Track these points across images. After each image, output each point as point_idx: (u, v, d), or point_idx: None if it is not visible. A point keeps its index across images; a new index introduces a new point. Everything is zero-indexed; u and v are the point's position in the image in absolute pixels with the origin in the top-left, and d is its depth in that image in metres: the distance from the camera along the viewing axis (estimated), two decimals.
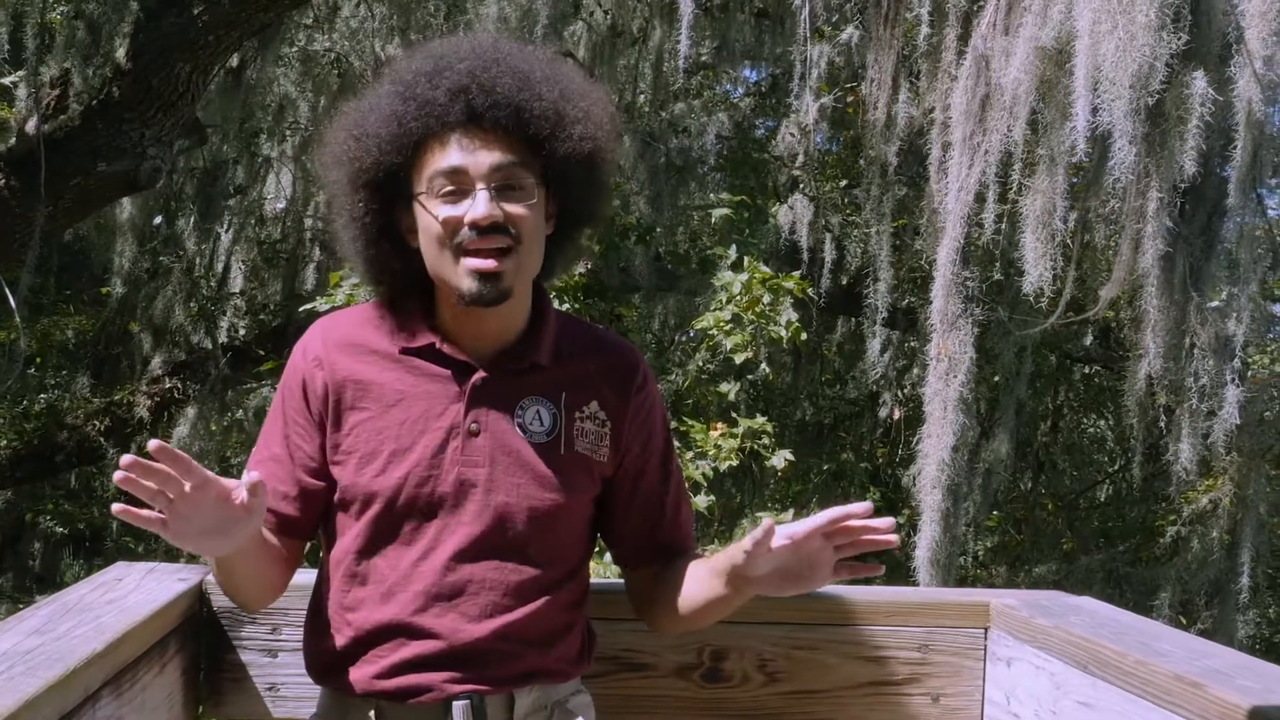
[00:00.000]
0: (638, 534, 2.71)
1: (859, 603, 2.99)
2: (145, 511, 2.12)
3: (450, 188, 2.37)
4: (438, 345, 2.49)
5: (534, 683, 2.50)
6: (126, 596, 2.55)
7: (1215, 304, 7.48)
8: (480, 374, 2.48)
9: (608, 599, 2.87)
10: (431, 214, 2.39)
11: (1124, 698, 2.43)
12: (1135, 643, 2.53)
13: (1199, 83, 6.30)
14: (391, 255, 2.51)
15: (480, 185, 2.36)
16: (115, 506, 2.08)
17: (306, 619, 2.60)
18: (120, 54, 7.55)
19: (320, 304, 7.28)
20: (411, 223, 2.46)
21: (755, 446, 7.53)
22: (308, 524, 2.55)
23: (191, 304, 12.62)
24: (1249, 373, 9.69)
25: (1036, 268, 6.85)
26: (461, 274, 2.37)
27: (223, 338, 12.33)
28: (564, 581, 2.53)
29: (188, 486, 2.12)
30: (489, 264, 2.36)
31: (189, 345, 12.49)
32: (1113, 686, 2.47)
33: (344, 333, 2.53)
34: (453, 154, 2.38)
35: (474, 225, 2.35)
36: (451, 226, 2.37)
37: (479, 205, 2.35)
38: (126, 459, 2.07)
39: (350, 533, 2.48)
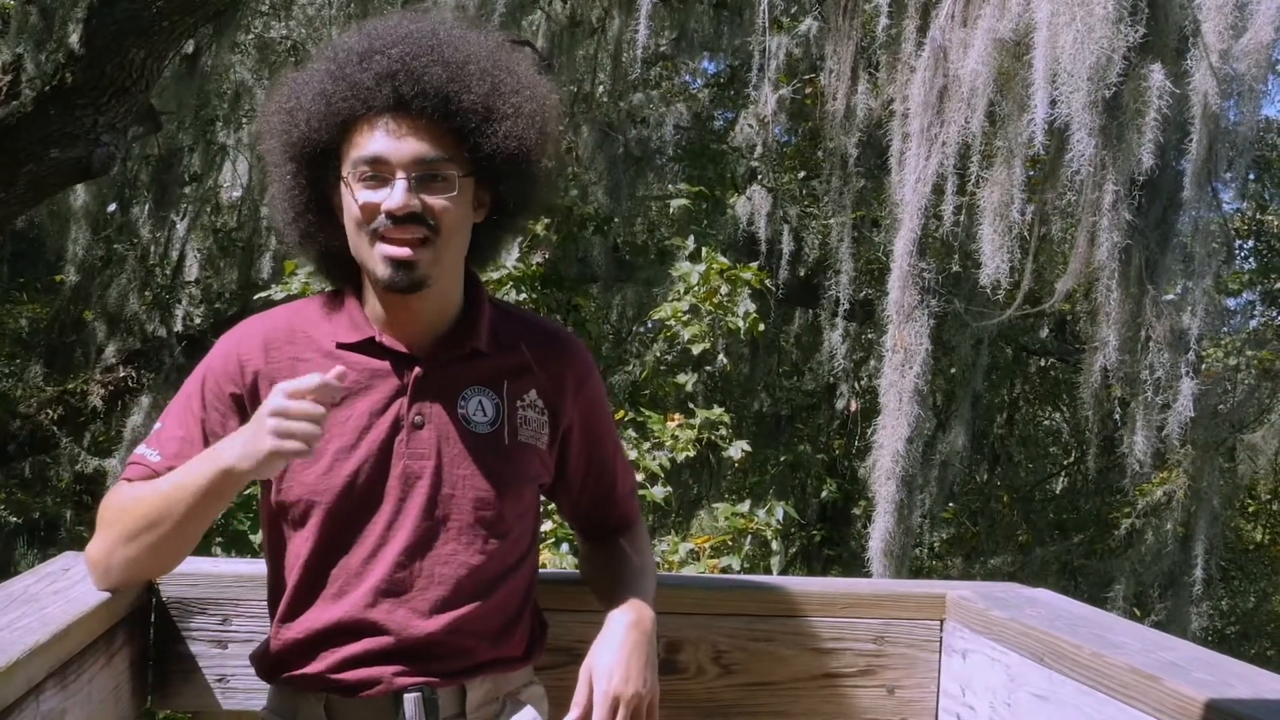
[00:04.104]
0: (589, 512, 2.77)
1: (815, 594, 2.98)
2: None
3: (372, 174, 2.35)
4: (377, 338, 2.47)
5: (485, 674, 2.48)
6: (73, 587, 2.51)
7: (1170, 297, 7.51)
8: (421, 365, 2.47)
9: (560, 590, 2.86)
10: (353, 197, 2.36)
11: (1080, 690, 2.42)
12: (1091, 635, 2.52)
13: (1156, 75, 6.32)
14: (318, 228, 2.50)
15: (400, 175, 2.33)
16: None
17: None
18: (74, 39, 7.49)
19: (276, 292, 7.25)
20: (340, 201, 2.44)
21: (712, 437, 7.53)
22: None
23: (146, 292, 12.55)
24: (1203, 366, 9.73)
25: (994, 260, 6.86)
26: (376, 259, 2.36)
27: (178, 326, 12.28)
28: (513, 571, 2.52)
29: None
30: (402, 252, 2.34)
31: (143, 334, 12.42)
32: (1069, 679, 2.46)
33: (280, 332, 2.50)
34: (377, 140, 2.35)
35: (389, 214, 2.33)
36: (369, 212, 2.35)
37: (396, 195, 2.32)
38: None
39: (298, 534, 2.45)
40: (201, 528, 2.36)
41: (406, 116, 2.36)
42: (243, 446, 2.23)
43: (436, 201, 2.35)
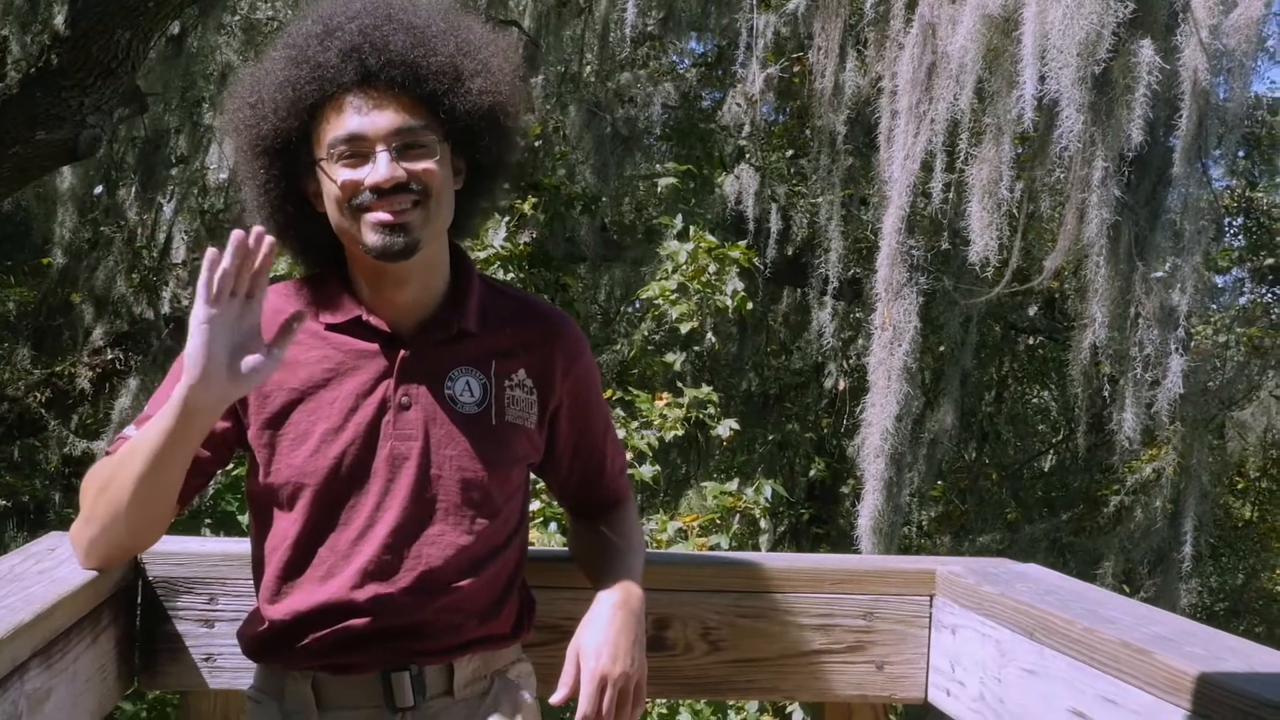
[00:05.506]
0: (578, 491, 2.76)
1: (804, 570, 2.97)
2: (220, 278, 2.12)
3: (350, 152, 2.33)
4: (364, 317, 2.45)
5: (473, 652, 2.48)
6: (58, 566, 2.50)
7: (1160, 274, 7.50)
8: (408, 346, 2.45)
9: (548, 568, 2.85)
10: (332, 179, 2.34)
11: (1070, 665, 2.41)
12: (1082, 610, 2.51)
13: (1146, 51, 6.31)
14: (297, 220, 2.47)
15: (380, 148, 2.31)
16: (211, 251, 2.11)
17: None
18: (59, 21, 7.45)
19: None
20: (317, 187, 2.41)
21: (700, 416, 7.52)
22: (186, 491, 2.48)
23: (133, 274, 12.51)
24: (1192, 343, 9.75)
25: (982, 237, 6.86)
26: (365, 229, 2.33)
27: (165, 308, 12.24)
28: (501, 550, 2.51)
29: (246, 289, 2.15)
30: (389, 216, 2.32)
31: (131, 316, 12.38)
32: (1059, 654, 2.45)
33: (266, 314, 2.46)
34: (349, 119, 2.33)
35: (375, 189, 2.30)
36: (350, 189, 2.32)
37: (379, 168, 2.30)
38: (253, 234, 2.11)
39: (286, 516, 2.43)
40: (164, 481, 2.31)
41: (373, 90, 2.33)
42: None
43: (420, 166, 2.33)
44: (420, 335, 2.46)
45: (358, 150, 2.32)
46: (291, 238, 2.52)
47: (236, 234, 2.08)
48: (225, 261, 2.10)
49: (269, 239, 2.11)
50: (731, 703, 6.90)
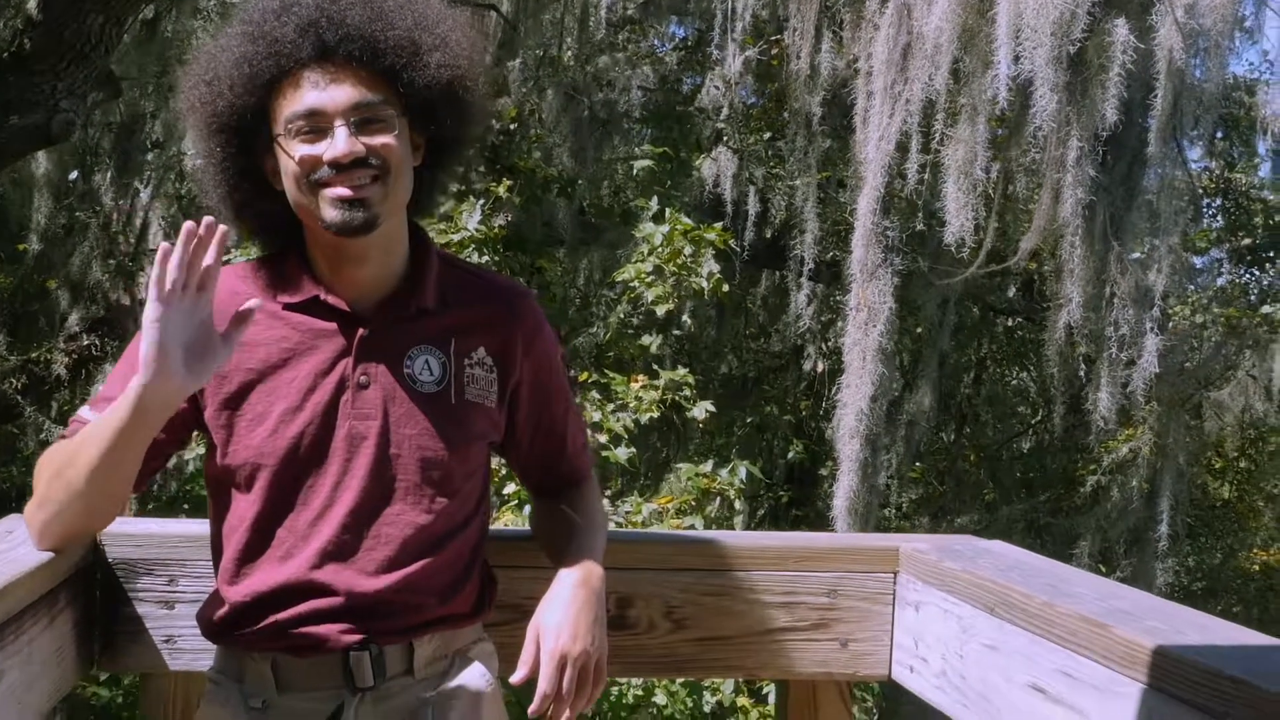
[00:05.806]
0: (539, 470, 2.75)
1: (768, 548, 2.96)
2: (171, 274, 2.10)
3: (308, 128, 2.31)
4: (321, 297, 2.43)
5: (433, 631, 2.46)
6: (15, 548, 2.47)
7: (1137, 255, 7.51)
8: (366, 325, 2.43)
9: (510, 547, 2.83)
10: (290, 154, 2.32)
11: (1030, 640, 2.40)
12: (1043, 585, 2.50)
13: (1121, 30, 6.31)
14: (255, 198, 2.45)
15: (338, 123, 2.29)
16: (163, 245, 2.08)
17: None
18: (31, 5, 7.41)
19: (236, 257, 7.22)
20: (274, 165, 2.39)
21: (676, 398, 7.51)
22: (142, 474, 2.45)
23: (109, 260, 12.48)
24: (1170, 324, 9.76)
25: (958, 218, 6.87)
26: (324, 205, 2.31)
27: (141, 294, 12.21)
28: (461, 529, 2.49)
29: (198, 282, 2.14)
30: (348, 191, 2.30)
31: (107, 302, 12.36)
32: (1019, 629, 2.44)
33: (223, 293, 2.40)
34: (307, 95, 2.31)
35: (334, 164, 2.29)
36: (309, 165, 2.30)
37: (338, 143, 2.28)
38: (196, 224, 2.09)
39: (244, 497, 2.42)
40: (119, 469, 2.30)
41: (331, 65, 2.31)
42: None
43: (379, 140, 2.32)
44: (379, 314, 2.44)
45: (316, 125, 2.30)
46: (249, 216, 2.50)
47: (188, 225, 2.07)
48: (176, 254, 2.08)
49: (221, 228, 2.09)
50: (706, 682, 6.90)
